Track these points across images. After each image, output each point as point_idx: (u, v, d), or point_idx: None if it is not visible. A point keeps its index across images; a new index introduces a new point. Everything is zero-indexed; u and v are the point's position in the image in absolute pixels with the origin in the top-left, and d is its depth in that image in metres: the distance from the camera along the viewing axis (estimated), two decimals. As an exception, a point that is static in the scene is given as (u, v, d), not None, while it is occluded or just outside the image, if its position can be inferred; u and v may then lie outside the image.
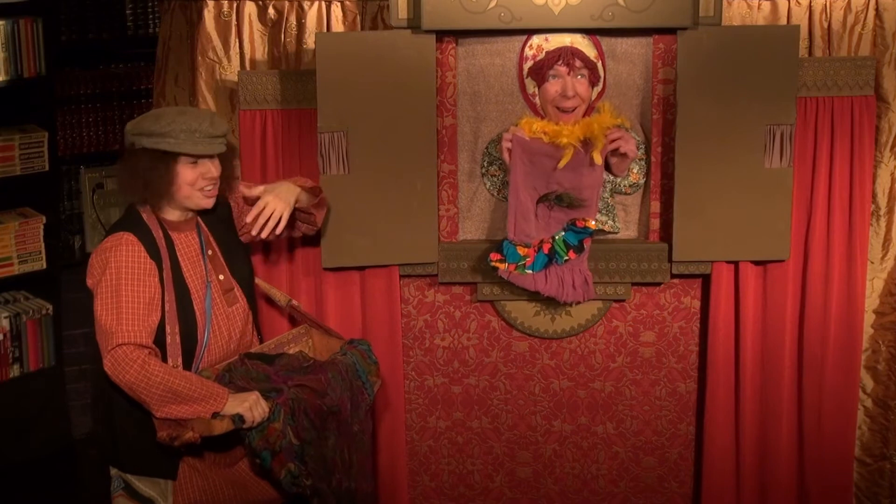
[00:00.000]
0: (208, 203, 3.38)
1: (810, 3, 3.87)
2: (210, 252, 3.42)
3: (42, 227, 4.86)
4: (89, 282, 3.28)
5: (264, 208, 3.45)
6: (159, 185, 3.29)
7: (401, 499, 4.02)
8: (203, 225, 3.45)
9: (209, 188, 3.36)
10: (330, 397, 3.33)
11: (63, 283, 5.01)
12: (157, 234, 3.32)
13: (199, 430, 3.15)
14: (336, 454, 3.36)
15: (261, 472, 3.31)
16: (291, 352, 3.55)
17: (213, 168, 3.35)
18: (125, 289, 3.20)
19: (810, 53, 3.88)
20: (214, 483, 3.34)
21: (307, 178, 3.68)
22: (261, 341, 3.57)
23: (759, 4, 3.88)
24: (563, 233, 3.76)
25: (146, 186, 3.28)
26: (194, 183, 3.32)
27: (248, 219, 3.47)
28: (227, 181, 3.45)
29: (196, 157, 3.30)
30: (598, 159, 3.67)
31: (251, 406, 3.18)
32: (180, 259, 3.34)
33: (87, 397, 5.10)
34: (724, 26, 3.72)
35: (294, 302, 3.72)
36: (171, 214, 3.39)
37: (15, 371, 4.85)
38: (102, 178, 5.22)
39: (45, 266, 4.89)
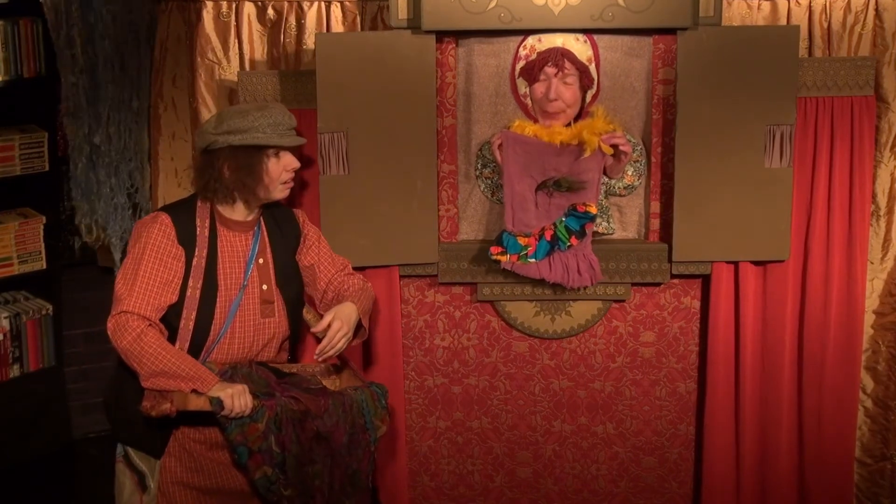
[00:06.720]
0: (285, 194, 3.48)
1: (810, 3, 3.87)
2: (261, 260, 3.44)
3: (42, 227, 4.86)
4: (128, 248, 3.40)
5: (336, 334, 3.39)
6: (248, 180, 3.36)
7: (401, 499, 4.03)
8: (266, 233, 3.48)
9: (289, 180, 3.46)
10: (323, 422, 3.28)
11: (63, 283, 5.00)
12: (203, 223, 3.37)
13: (176, 403, 3.16)
14: (322, 482, 3.30)
15: (238, 466, 3.28)
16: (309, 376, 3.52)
17: (293, 160, 3.46)
18: (145, 264, 3.28)
19: (810, 53, 3.88)
20: (204, 465, 3.33)
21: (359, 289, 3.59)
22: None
23: (759, 4, 3.88)
24: (565, 218, 3.75)
25: (234, 183, 3.35)
26: (279, 176, 3.42)
27: (318, 351, 3.40)
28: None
29: (282, 149, 3.41)
30: (608, 150, 3.66)
31: (234, 394, 3.16)
32: (219, 254, 3.37)
33: (87, 397, 5.11)
34: (724, 26, 3.72)
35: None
36: (234, 212, 3.42)
37: (15, 371, 4.85)
38: (102, 178, 5.21)
39: (45, 266, 4.89)
